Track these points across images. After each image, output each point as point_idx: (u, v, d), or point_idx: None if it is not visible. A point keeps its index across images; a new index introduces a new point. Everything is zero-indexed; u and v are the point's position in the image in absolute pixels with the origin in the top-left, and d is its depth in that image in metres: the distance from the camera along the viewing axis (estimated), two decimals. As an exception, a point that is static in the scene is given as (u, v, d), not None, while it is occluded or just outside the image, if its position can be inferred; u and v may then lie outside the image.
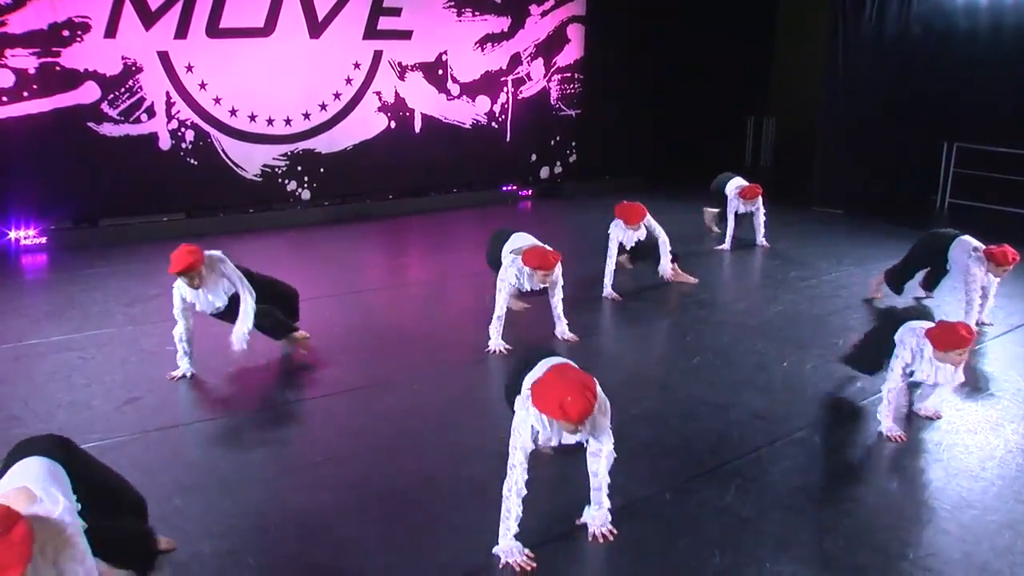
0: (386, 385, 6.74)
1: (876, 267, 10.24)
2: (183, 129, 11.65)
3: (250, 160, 12.26)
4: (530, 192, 14.88)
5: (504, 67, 14.44)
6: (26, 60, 10.41)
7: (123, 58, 11.05)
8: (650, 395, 6.69)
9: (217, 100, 11.84)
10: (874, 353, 6.44)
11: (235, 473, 5.34)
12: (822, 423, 6.28)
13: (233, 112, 11.99)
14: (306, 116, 12.62)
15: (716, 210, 11.42)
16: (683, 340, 7.88)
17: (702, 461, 5.67)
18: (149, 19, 11.10)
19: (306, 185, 12.74)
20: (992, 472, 5.63)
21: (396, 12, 13.08)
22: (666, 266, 9.11)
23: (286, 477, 5.32)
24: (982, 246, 8.06)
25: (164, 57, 11.36)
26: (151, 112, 11.35)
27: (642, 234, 8.87)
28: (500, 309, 7.41)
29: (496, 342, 7.37)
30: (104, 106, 11.01)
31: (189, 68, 11.57)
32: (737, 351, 7.64)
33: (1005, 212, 13.15)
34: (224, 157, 12.05)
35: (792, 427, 6.18)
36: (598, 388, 4.36)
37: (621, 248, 8.93)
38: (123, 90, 11.12)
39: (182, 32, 11.40)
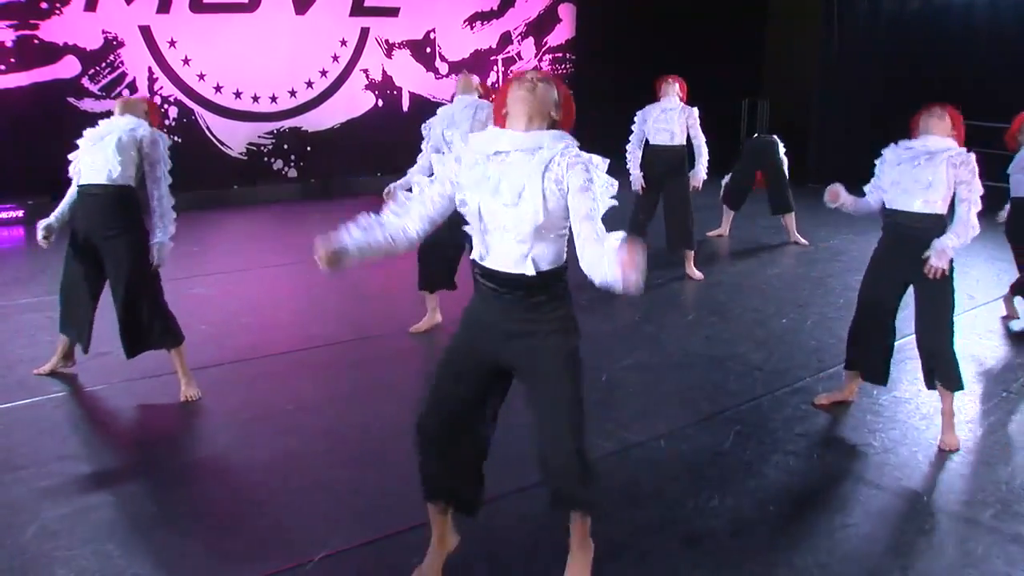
0: (367, 338, 6.49)
1: (875, 236, 9.93)
2: (166, 105, 11.36)
3: (235, 137, 11.98)
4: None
5: (494, 46, 14.15)
6: (3, 33, 10.15)
7: (104, 32, 10.78)
8: (642, 348, 6.39)
9: (201, 76, 11.57)
10: None
11: (203, 421, 5.06)
12: (826, 374, 5.97)
13: (218, 88, 11.72)
14: (292, 93, 12.34)
15: None
16: (677, 298, 7.58)
17: (698, 409, 5.36)
18: (130, -9, 10.84)
19: (292, 163, 12.45)
20: (995, 419, 5.33)
21: (384, -12, 12.83)
22: (700, 174, 8.20)
23: (254, 424, 5.02)
24: None
25: (146, 31, 11.09)
26: (133, 88, 11.08)
27: (673, 120, 8.14)
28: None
29: None
30: (85, 81, 10.73)
31: (172, 43, 11.30)
32: (734, 309, 7.35)
33: (1004, 189, 12.87)
34: (208, 134, 11.76)
35: (794, 377, 5.88)
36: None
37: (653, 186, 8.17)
38: (104, 65, 10.86)
39: (164, 6, 11.14)
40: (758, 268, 8.67)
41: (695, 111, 8.21)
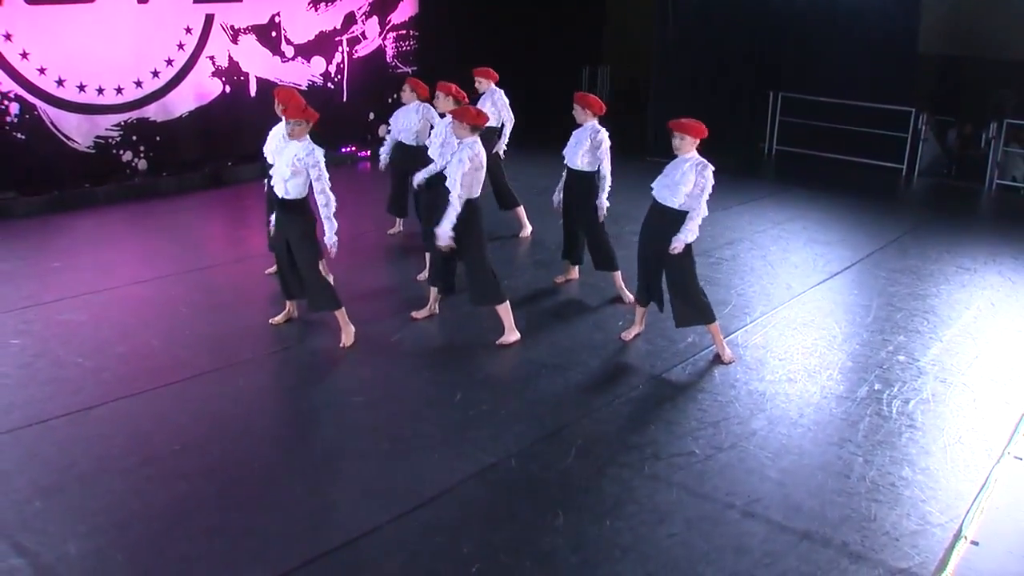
0: (235, 366, 6.80)
1: (710, 217, 10.67)
2: (6, 102, 11.20)
3: (82, 131, 11.90)
4: (368, 153, 14.90)
5: (338, 27, 14.36)
6: None
7: (-67, 28, 10.58)
8: (489, 359, 6.98)
9: (42, 70, 11.44)
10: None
11: (94, 469, 5.36)
12: (656, 380, 6.72)
13: (60, 82, 11.61)
14: (138, 84, 12.31)
15: None
16: (514, 302, 8.03)
17: (544, 424, 6.03)
18: (-40, -14, 10.64)
19: (142, 155, 12.48)
20: (809, 419, 6.19)
21: (226, -26, 12.86)
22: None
23: (145, 468, 5.38)
24: None
25: (-21, 26, 10.92)
26: (-31, 85, 10.93)
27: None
28: None
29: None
30: (-84, 81, 10.55)
31: (8, 37, 11.12)
32: (571, 312, 8.05)
33: (826, 158, 14.03)
34: (53, 130, 11.68)
35: (628, 386, 6.61)
36: None
37: None
38: (-64, 63, 10.67)
39: (-3, -2, 10.95)
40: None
41: None
